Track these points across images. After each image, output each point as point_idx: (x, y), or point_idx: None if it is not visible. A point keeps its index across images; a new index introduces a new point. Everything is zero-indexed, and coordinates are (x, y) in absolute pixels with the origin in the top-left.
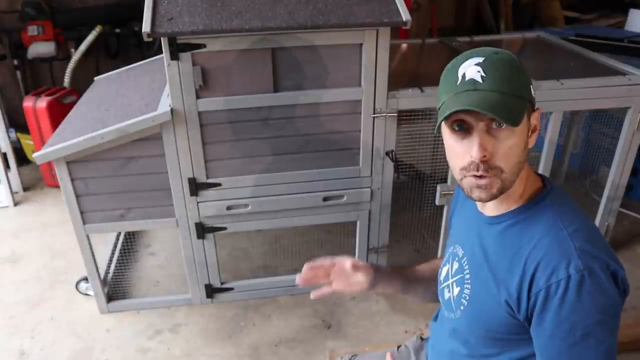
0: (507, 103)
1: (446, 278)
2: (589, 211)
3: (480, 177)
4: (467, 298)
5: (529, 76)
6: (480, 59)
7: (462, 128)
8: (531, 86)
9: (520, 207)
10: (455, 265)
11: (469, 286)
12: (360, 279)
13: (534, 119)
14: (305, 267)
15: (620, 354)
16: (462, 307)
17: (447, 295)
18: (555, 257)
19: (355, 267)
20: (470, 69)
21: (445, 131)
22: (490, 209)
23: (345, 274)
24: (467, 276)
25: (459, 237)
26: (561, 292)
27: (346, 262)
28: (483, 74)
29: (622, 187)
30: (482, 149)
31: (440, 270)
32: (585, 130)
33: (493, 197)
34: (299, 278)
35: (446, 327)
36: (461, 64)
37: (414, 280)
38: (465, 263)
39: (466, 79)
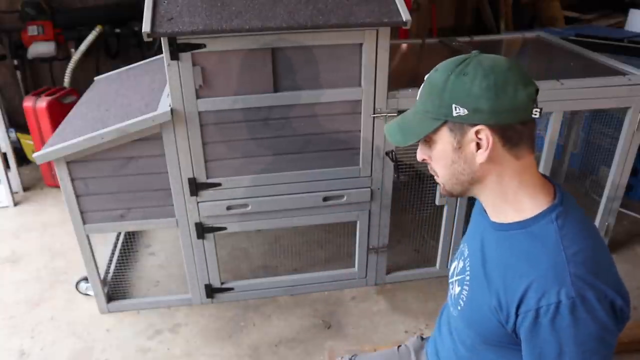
0: (409, 124)
1: (452, 275)
2: (589, 211)
3: None
4: (464, 299)
5: (459, 94)
6: (426, 77)
7: None
8: (457, 106)
9: (524, 221)
10: (461, 264)
11: (467, 288)
12: None
13: (472, 135)
14: None
15: (620, 354)
16: (459, 307)
17: (450, 291)
18: (549, 280)
19: None
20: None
21: None
22: (491, 215)
23: None
24: (467, 278)
25: (469, 236)
26: (550, 315)
27: None
28: (419, 94)
29: (622, 187)
30: (420, 155)
31: (451, 263)
32: (585, 130)
33: (447, 195)
34: None
35: (449, 323)
36: None
37: None
38: (468, 264)
39: None
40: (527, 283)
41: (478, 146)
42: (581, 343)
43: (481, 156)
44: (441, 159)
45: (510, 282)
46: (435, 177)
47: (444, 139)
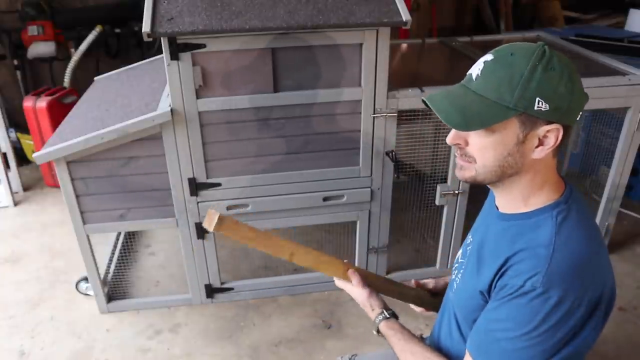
0: (472, 107)
1: (455, 261)
2: None
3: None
4: (457, 282)
5: (546, 89)
6: (491, 57)
7: None
8: (541, 100)
9: (526, 213)
10: (462, 251)
11: (462, 271)
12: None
13: (543, 132)
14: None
15: None
16: (452, 291)
17: (452, 277)
18: (529, 265)
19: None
20: (478, 64)
21: None
22: (500, 206)
23: None
24: (464, 262)
25: (475, 226)
26: (508, 292)
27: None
28: (479, 73)
29: (622, 187)
30: (453, 137)
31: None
32: (585, 130)
33: (466, 180)
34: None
35: (449, 308)
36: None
37: None
38: (468, 250)
39: (468, 73)
40: (512, 263)
41: (539, 142)
42: (515, 327)
43: (540, 153)
44: (495, 149)
45: (498, 262)
46: (463, 162)
47: (511, 130)
